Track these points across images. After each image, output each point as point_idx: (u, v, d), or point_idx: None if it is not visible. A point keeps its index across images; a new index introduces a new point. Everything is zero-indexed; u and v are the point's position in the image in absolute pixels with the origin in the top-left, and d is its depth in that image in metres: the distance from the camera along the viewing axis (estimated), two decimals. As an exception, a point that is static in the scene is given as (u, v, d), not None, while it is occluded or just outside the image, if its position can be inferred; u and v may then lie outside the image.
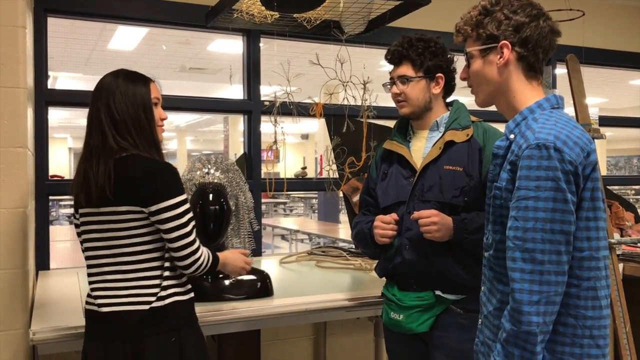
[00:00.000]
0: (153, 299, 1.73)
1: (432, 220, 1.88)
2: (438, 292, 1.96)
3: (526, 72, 1.49)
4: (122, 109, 1.74)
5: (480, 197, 1.91)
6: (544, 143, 1.32)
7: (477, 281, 1.83)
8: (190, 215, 1.77)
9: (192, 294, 1.85)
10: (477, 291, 1.73)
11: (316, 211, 14.10)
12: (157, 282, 1.74)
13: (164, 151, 1.85)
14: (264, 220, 5.29)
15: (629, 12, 4.61)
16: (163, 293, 1.74)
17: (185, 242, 1.73)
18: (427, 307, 1.97)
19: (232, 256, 1.99)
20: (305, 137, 20.86)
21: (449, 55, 2.08)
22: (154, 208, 1.70)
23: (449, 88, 2.09)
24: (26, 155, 2.18)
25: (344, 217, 10.67)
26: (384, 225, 1.98)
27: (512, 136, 1.45)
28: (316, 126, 13.53)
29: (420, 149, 2.07)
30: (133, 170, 1.71)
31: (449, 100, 2.12)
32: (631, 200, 6.12)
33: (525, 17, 1.46)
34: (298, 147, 21.82)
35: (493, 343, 1.46)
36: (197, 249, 1.77)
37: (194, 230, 1.77)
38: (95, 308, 1.76)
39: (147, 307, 1.72)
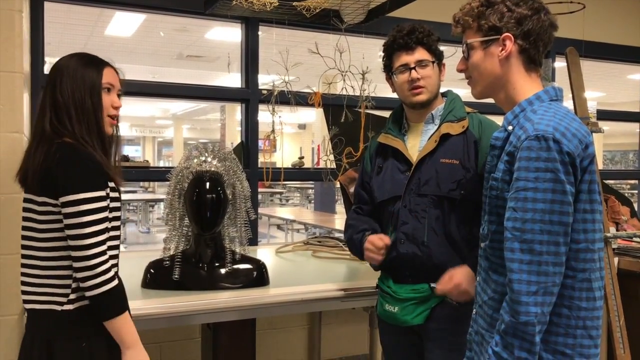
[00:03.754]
0: (64, 300, 1.61)
1: (459, 289, 1.84)
2: (433, 285, 1.95)
3: (526, 65, 1.50)
4: (67, 92, 1.62)
5: (478, 190, 1.89)
6: (543, 134, 1.32)
7: (472, 274, 1.84)
8: (95, 217, 1.56)
9: None
10: (472, 284, 1.74)
11: (312, 201, 14.11)
12: (67, 282, 1.61)
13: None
14: (260, 210, 5.29)
15: (629, 6, 4.60)
16: (73, 296, 1.61)
17: (80, 244, 1.54)
18: (422, 300, 1.97)
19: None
20: (302, 127, 20.83)
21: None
22: (60, 200, 1.55)
23: None
24: (22, 140, 2.17)
25: (340, 207, 10.68)
26: (375, 250, 1.96)
27: (510, 127, 1.46)
28: (314, 116, 13.50)
29: (416, 142, 2.04)
30: (51, 158, 1.57)
31: (442, 90, 2.09)
32: (627, 194, 6.14)
33: (528, 10, 1.47)
34: (295, 137, 21.80)
35: (487, 332, 1.47)
36: (98, 265, 1.55)
37: (98, 240, 1.56)
38: (22, 303, 1.68)
39: (59, 308, 1.61)
